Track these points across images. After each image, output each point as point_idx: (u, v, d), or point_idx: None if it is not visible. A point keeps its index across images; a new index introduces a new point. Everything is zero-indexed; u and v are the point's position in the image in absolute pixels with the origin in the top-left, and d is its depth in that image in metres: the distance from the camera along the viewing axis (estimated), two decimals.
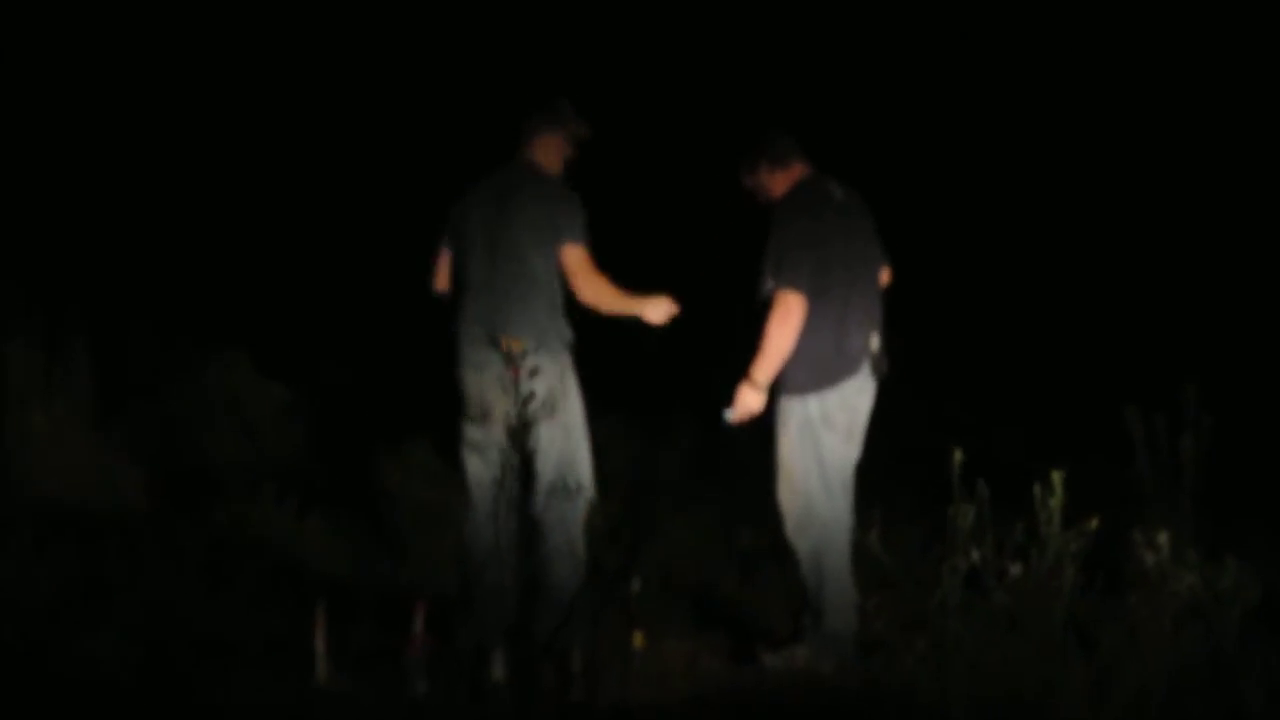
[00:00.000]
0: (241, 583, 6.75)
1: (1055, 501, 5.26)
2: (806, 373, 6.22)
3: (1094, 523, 5.26)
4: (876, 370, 6.41)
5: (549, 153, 6.59)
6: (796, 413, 6.26)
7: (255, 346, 9.74)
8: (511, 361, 6.21)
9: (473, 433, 6.45)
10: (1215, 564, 5.33)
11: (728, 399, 6.29)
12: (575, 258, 6.35)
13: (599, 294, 6.38)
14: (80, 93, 13.25)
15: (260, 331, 10.31)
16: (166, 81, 13.57)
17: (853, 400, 6.32)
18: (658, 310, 6.47)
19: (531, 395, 5.93)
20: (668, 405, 7.01)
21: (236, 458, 8.74)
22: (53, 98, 13.12)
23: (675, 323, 6.54)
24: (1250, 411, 8.52)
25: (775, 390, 6.30)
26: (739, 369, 6.30)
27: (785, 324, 6.13)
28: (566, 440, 6.43)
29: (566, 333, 6.44)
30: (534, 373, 6.10)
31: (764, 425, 6.38)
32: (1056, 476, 5.27)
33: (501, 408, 6.30)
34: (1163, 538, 5.33)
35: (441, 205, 6.73)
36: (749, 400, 6.25)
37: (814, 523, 6.26)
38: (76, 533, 7.27)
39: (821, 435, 6.25)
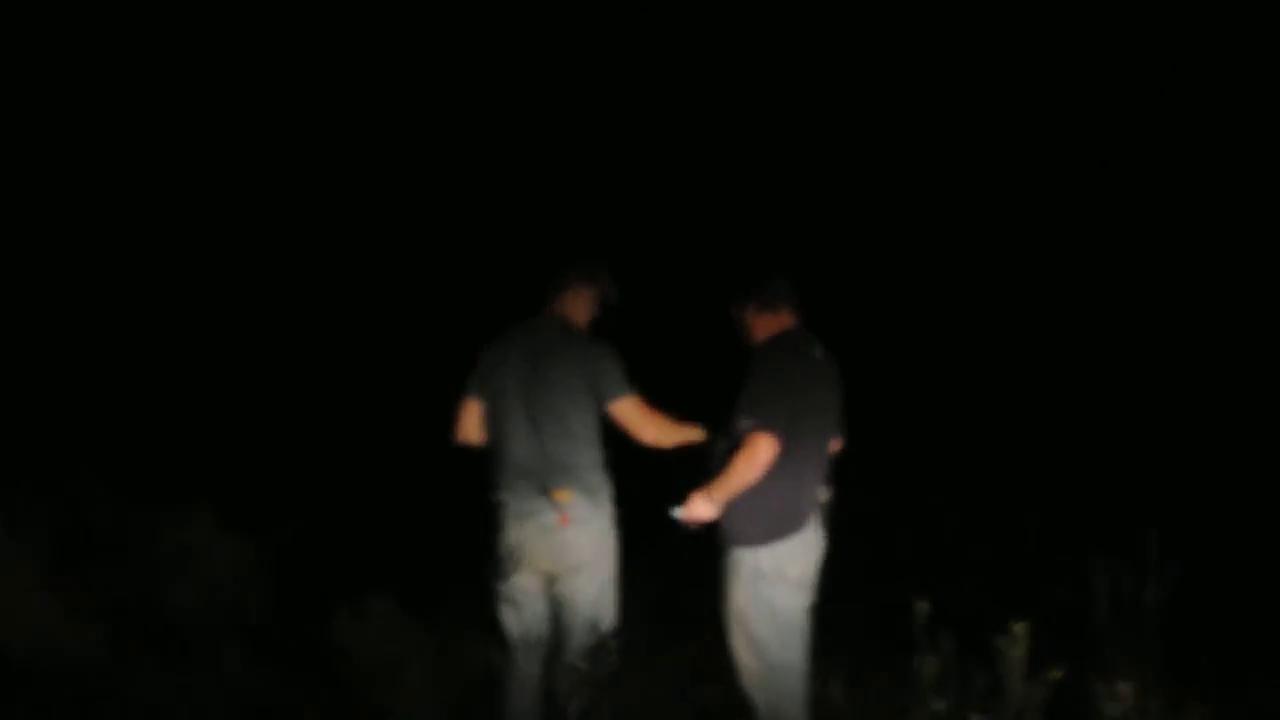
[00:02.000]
0: None
1: (1018, 652, 5.26)
2: (758, 525, 6.25)
3: (1057, 673, 5.26)
4: (825, 522, 6.44)
5: (579, 308, 6.68)
6: (748, 564, 6.29)
7: (216, 501, 9.69)
8: (560, 511, 6.27)
9: (508, 587, 6.47)
10: (1177, 712, 5.32)
11: (680, 500, 6.30)
12: (626, 410, 6.46)
13: (660, 435, 6.54)
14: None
15: (219, 485, 10.26)
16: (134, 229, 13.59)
17: (803, 553, 6.34)
18: (699, 431, 6.62)
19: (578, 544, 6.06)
20: (630, 555, 6.97)
21: (197, 613, 8.67)
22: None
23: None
24: (1212, 557, 8.51)
25: (727, 541, 6.32)
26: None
27: (753, 461, 6.15)
28: (602, 593, 6.46)
29: (608, 485, 6.48)
30: (581, 523, 6.19)
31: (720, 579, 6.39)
32: (1019, 627, 5.28)
33: (542, 558, 6.34)
34: (1124, 687, 5.32)
35: (399, 342, 6.77)
36: (699, 509, 6.26)
37: (771, 674, 6.25)
38: (34, 690, 7.20)
39: (774, 586, 6.27)
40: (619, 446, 6.60)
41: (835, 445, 6.66)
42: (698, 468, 6.47)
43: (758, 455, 6.17)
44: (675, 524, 6.35)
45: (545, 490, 6.37)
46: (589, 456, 6.47)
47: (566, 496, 6.36)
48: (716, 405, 6.59)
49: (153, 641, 8.18)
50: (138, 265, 13.54)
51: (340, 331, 13.50)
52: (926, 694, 5.32)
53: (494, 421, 6.57)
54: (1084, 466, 11.79)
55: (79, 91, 13.36)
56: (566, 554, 6.40)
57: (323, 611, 8.29)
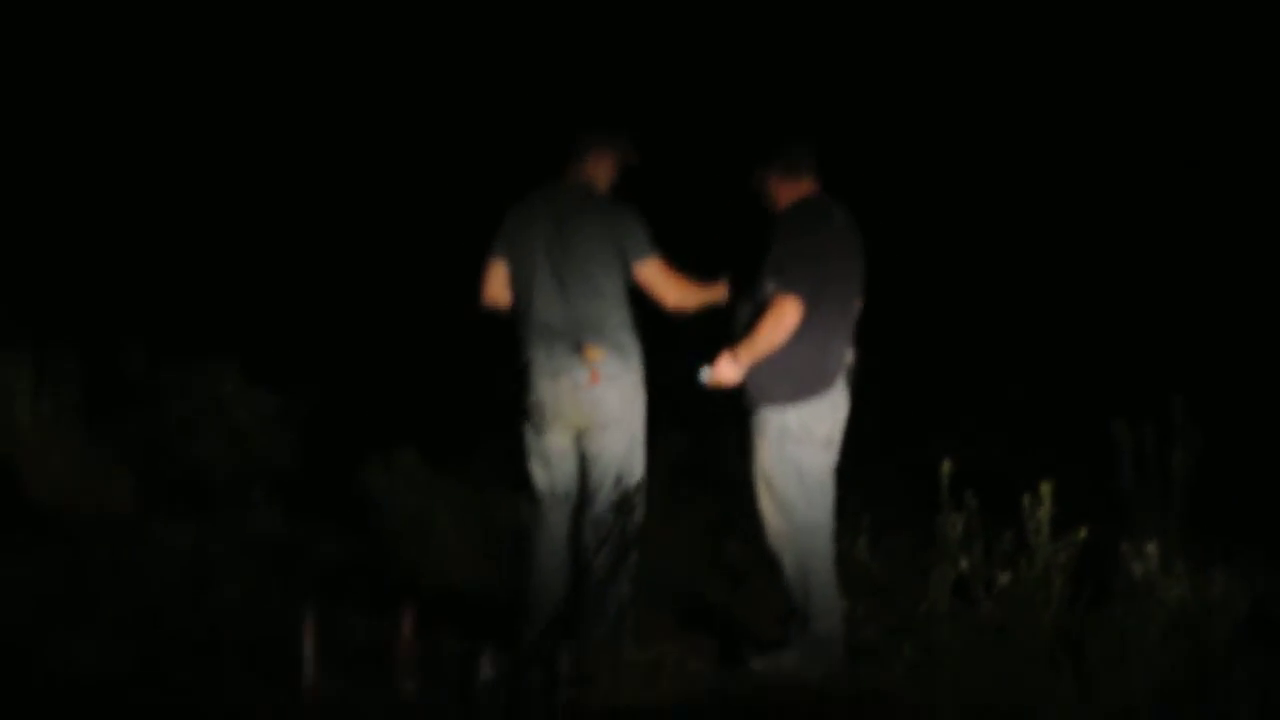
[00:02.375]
0: (229, 586, 6.74)
1: (1043, 512, 5.28)
2: (786, 385, 6.25)
3: (1082, 533, 5.28)
4: (850, 383, 6.45)
5: (601, 170, 6.63)
6: (774, 424, 6.29)
7: (244, 354, 9.74)
8: (591, 368, 6.29)
9: (538, 441, 6.52)
10: (1203, 575, 5.35)
11: (709, 359, 6.32)
12: (650, 272, 6.44)
13: (683, 297, 6.52)
14: (71, 104, 13.26)
15: (249, 339, 10.31)
16: (157, 90, 13.58)
17: (829, 412, 6.34)
18: (721, 290, 6.61)
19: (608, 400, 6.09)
20: (655, 415, 7.00)
21: (225, 463, 8.75)
22: (45, 110, 13.12)
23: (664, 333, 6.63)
24: (1237, 422, 8.53)
25: (753, 401, 6.33)
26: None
27: (780, 323, 6.15)
28: (630, 449, 6.50)
29: (636, 344, 6.50)
30: (611, 380, 6.21)
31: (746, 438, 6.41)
32: (1045, 488, 5.30)
33: (572, 415, 6.38)
34: (1151, 549, 5.34)
35: (424, 213, 6.76)
36: (726, 371, 6.27)
37: (796, 531, 6.27)
38: (64, 536, 7.27)
39: (800, 445, 6.27)
40: (643, 308, 6.61)
41: (857, 305, 6.66)
42: (722, 329, 6.49)
43: (784, 318, 6.17)
44: (702, 384, 6.37)
45: (576, 348, 6.39)
46: (618, 316, 6.48)
47: (596, 354, 6.38)
48: (737, 270, 6.59)
49: (181, 491, 8.26)
50: (172, 136, 13.56)
51: (372, 192, 13.51)
52: (951, 553, 5.34)
53: (521, 283, 6.57)
54: (1111, 330, 11.80)
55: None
56: (596, 410, 6.42)
57: (350, 464, 8.36)
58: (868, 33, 14.06)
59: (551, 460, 6.53)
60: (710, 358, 6.32)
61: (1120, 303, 12.24)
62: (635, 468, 6.53)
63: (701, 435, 9.06)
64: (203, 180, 13.43)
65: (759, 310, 6.25)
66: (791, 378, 6.26)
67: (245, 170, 13.54)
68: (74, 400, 8.51)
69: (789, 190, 6.46)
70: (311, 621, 5.54)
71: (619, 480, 6.40)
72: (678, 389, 6.72)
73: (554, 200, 6.55)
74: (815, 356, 6.28)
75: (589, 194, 6.56)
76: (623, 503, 6.07)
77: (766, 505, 6.36)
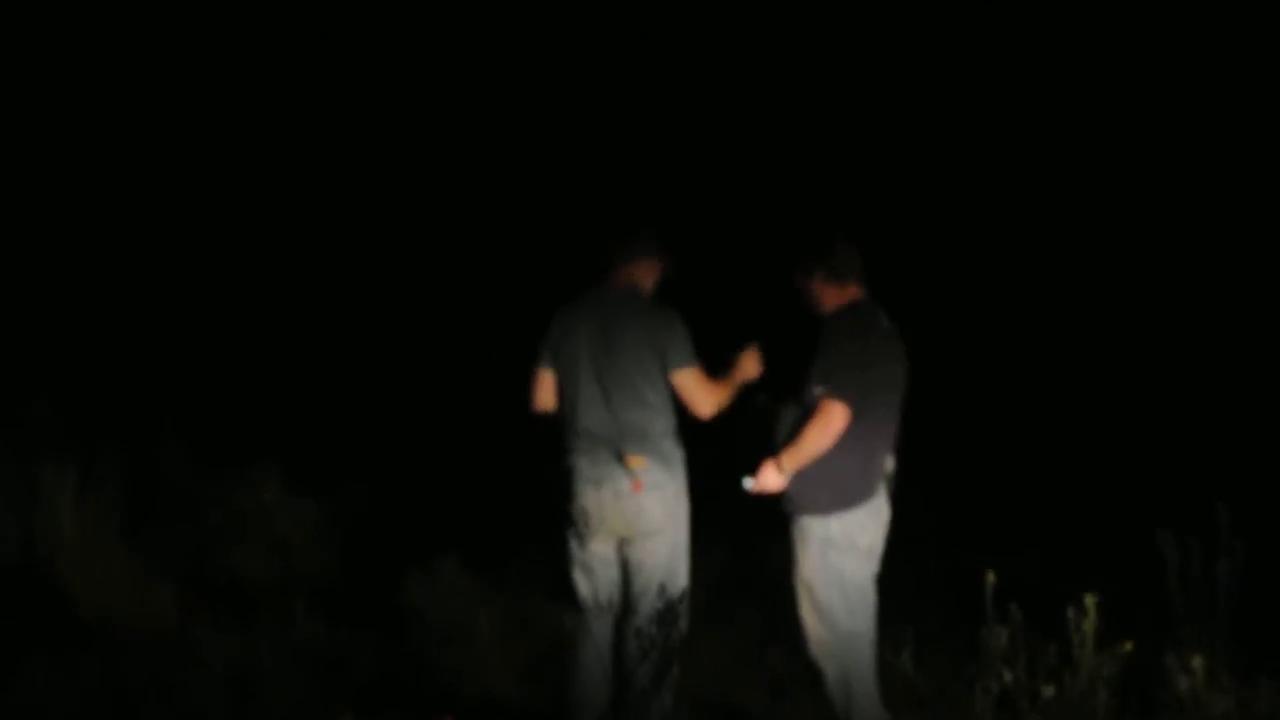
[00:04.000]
0: (271, 698, 6.73)
1: (1088, 624, 5.25)
2: (829, 494, 6.24)
3: (1128, 646, 5.24)
4: (891, 491, 6.44)
5: (645, 278, 6.71)
6: (817, 533, 6.28)
7: (284, 462, 9.77)
8: (634, 477, 6.30)
9: (581, 550, 6.52)
10: (1250, 688, 5.29)
11: (752, 467, 6.30)
12: (685, 381, 6.49)
13: (719, 404, 6.56)
14: (107, 191, 13.37)
15: (289, 446, 10.34)
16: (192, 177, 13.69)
17: (871, 521, 6.34)
18: (754, 364, 6.65)
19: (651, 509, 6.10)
20: (698, 524, 6.98)
21: (266, 572, 8.75)
22: (82, 204, 13.25)
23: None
24: None
25: (796, 510, 6.31)
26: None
27: (826, 429, 6.14)
28: (673, 558, 6.52)
29: (680, 452, 6.51)
30: (654, 488, 6.22)
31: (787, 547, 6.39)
32: (1090, 599, 5.26)
33: (615, 524, 6.38)
34: (1197, 661, 5.29)
35: (469, 315, 6.79)
36: (770, 479, 6.28)
37: (839, 641, 6.25)
38: (105, 646, 7.27)
39: (844, 555, 6.26)
40: (684, 415, 6.62)
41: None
42: (753, 432, 6.48)
43: (831, 423, 6.16)
44: (745, 492, 6.35)
45: (619, 457, 6.40)
46: (661, 423, 6.49)
47: (640, 463, 6.39)
48: (770, 371, 6.61)
49: (222, 600, 8.25)
50: (215, 236, 13.66)
51: (413, 298, 13.57)
52: (995, 665, 5.30)
53: (566, 389, 6.59)
54: (1155, 440, 11.73)
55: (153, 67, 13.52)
56: (640, 519, 6.42)
57: (392, 572, 8.35)
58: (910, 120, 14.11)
59: (594, 569, 6.53)
60: (753, 466, 6.32)
61: (1164, 412, 12.19)
62: (679, 577, 6.52)
63: (744, 544, 9.03)
64: (247, 283, 13.52)
65: (805, 414, 6.24)
66: (835, 486, 6.25)
67: (291, 271, 13.63)
68: (116, 509, 8.53)
69: (835, 295, 6.46)
70: None
71: (662, 590, 6.38)
72: (720, 497, 6.72)
73: (599, 305, 6.58)
74: (859, 465, 6.27)
75: (633, 299, 6.59)
76: (666, 613, 6.05)
77: (808, 614, 6.34)
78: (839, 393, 6.15)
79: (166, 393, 11.67)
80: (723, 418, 6.63)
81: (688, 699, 6.62)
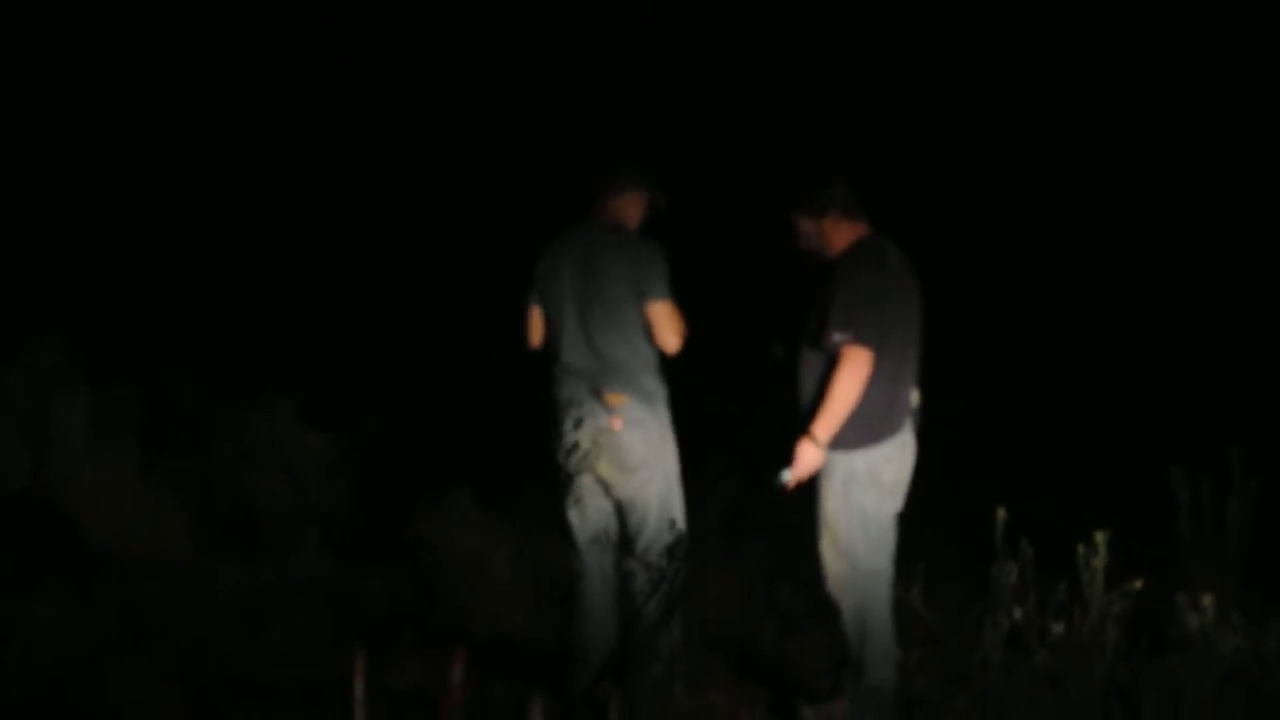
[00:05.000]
0: (282, 628, 6.77)
1: (1099, 562, 5.24)
2: (856, 429, 6.16)
3: (1137, 584, 5.24)
4: (916, 426, 6.39)
5: (630, 210, 6.63)
6: (842, 468, 6.21)
7: (299, 394, 9.78)
8: (613, 414, 6.29)
9: (570, 485, 6.51)
10: (1260, 627, 5.30)
11: (775, 455, 6.24)
12: (655, 314, 6.42)
13: (681, 345, 6.48)
14: (133, 148, 13.39)
15: (304, 379, 10.35)
16: (217, 127, 13.70)
17: (897, 456, 6.28)
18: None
19: (633, 445, 6.08)
20: (707, 457, 6.99)
21: (279, 505, 8.77)
22: (102, 151, 13.26)
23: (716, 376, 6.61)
24: None
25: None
26: (776, 419, 6.28)
27: (854, 377, 6.06)
28: (666, 493, 6.50)
29: (663, 388, 6.50)
30: (635, 424, 6.20)
31: (809, 480, 6.34)
32: (1100, 537, 5.26)
33: (597, 459, 6.38)
34: (1207, 600, 5.29)
35: (482, 257, 6.75)
36: (810, 457, 6.16)
37: (858, 578, 6.22)
38: (119, 577, 7.30)
39: (866, 491, 6.20)
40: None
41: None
42: (759, 380, 6.43)
43: (858, 370, 6.07)
44: (782, 488, 6.26)
45: (597, 393, 6.39)
46: (641, 358, 6.45)
47: (619, 399, 6.37)
48: (762, 313, 6.56)
49: (234, 531, 8.28)
50: (229, 167, 13.67)
51: (420, 232, 13.57)
52: (1005, 602, 5.30)
53: (551, 325, 6.57)
54: (1168, 380, 11.73)
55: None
56: (621, 455, 6.40)
57: (404, 505, 8.36)
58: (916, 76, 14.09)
59: (585, 502, 6.50)
60: (783, 458, 6.25)
61: (1178, 353, 12.17)
62: (674, 511, 6.50)
63: (753, 478, 9.04)
64: (262, 218, 13.52)
65: (828, 362, 6.17)
66: (860, 422, 6.17)
67: (306, 212, 13.63)
68: (129, 440, 8.55)
69: (845, 233, 6.36)
70: (362, 665, 5.55)
71: (657, 524, 6.36)
72: (729, 428, 6.71)
73: (582, 241, 6.54)
74: (883, 400, 6.20)
75: (616, 233, 6.54)
76: (673, 548, 6.04)
77: (828, 550, 6.29)
78: (860, 337, 6.07)
79: (179, 324, 11.69)
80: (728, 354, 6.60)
81: (696, 635, 6.64)
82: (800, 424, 6.20)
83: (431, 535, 8.02)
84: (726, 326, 6.63)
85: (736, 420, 6.51)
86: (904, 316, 6.29)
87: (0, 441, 8.45)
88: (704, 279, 6.65)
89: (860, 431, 6.17)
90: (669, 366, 6.57)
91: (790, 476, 6.19)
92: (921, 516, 6.60)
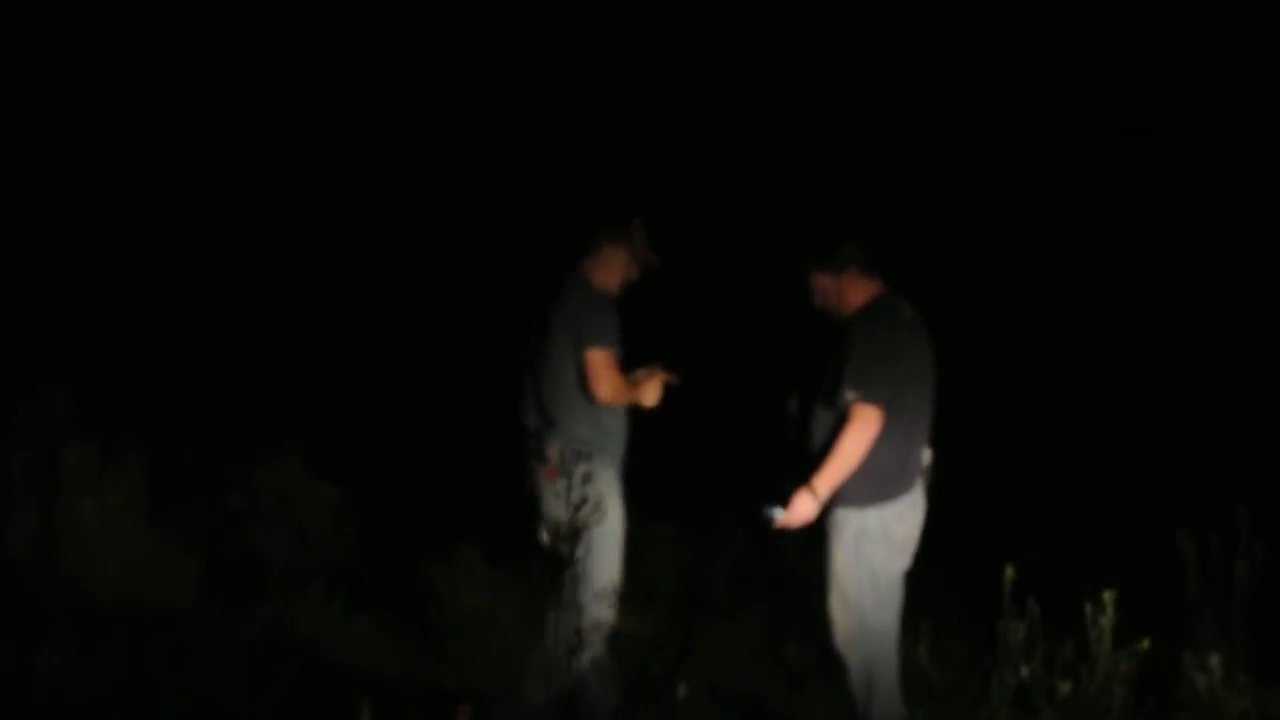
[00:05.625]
0: (286, 681, 6.75)
1: (1106, 621, 5.24)
2: (868, 486, 6.16)
3: (1145, 643, 5.24)
4: (927, 484, 6.39)
5: (609, 271, 6.63)
6: (853, 525, 6.21)
7: (306, 444, 9.79)
8: (549, 464, 6.29)
9: (540, 545, 6.51)
10: (1267, 688, 5.29)
11: (781, 497, 6.22)
12: (591, 361, 6.40)
13: (613, 395, 6.44)
14: (139, 190, 13.43)
15: (312, 429, 10.36)
16: (230, 177, 13.74)
17: (909, 514, 6.29)
18: (652, 393, 6.55)
19: (575, 500, 6.05)
20: (715, 512, 6.99)
21: (286, 556, 8.77)
22: (108, 197, 13.30)
23: (723, 422, 6.58)
24: None
25: (831, 501, 6.23)
26: (787, 472, 6.27)
27: (862, 436, 6.06)
28: (594, 549, 6.35)
29: (607, 439, 6.45)
30: (577, 477, 6.18)
31: (814, 535, 6.33)
32: (1108, 596, 5.25)
33: (545, 516, 6.38)
34: (1214, 660, 5.29)
35: (489, 306, 6.76)
36: (804, 508, 6.15)
37: (866, 635, 6.21)
38: (124, 627, 7.29)
39: (877, 548, 6.20)
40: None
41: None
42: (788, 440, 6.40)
43: (866, 428, 6.07)
44: (769, 522, 6.24)
45: (539, 445, 6.41)
46: (578, 411, 6.43)
47: (554, 452, 6.38)
48: (775, 369, 6.54)
49: (241, 583, 8.28)
50: (239, 214, 13.70)
51: (436, 282, 13.59)
52: (1012, 660, 5.30)
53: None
54: (1177, 439, 11.71)
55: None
56: (553, 509, 6.37)
57: (410, 558, 8.36)
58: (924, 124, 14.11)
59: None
60: (780, 494, 6.24)
61: (1187, 412, 12.16)
62: (600, 567, 6.41)
63: (759, 534, 9.04)
64: (271, 272, 13.55)
65: (839, 419, 6.17)
66: (873, 480, 6.17)
67: (315, 265, 13.66)
68: (137, 491, 8.55)
69: (861, 290, 6.37)
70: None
71: (581, 582, 6.25)
72: (736, 487, 6.69)
73: (552, 301, 6.57)
74: (896, 458, 6.21)
75: (579, 287, 6.54)
76: (586, 606, 6.04)
77: (836, 606, 6.28)
78: (871, 395, 6.07)
79: (188, 375, 11.71)
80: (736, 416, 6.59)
81: (704, 689, 6.63)
82: (804, 478, 6.20)
83: (439, 589, 8.02)
84: (738, 383, 6.61)
85: (745, 476, 6.49)
86: (918, 375, 6.30)
87: (8, 490, 8.45)
88: (718, 336, 6.63)
89: (873, 489, 6.18)
90: (653, 423, 6.57)
91: (780, 518, 6.19)
92: (930, 573, 6.60)
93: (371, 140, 14.16)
